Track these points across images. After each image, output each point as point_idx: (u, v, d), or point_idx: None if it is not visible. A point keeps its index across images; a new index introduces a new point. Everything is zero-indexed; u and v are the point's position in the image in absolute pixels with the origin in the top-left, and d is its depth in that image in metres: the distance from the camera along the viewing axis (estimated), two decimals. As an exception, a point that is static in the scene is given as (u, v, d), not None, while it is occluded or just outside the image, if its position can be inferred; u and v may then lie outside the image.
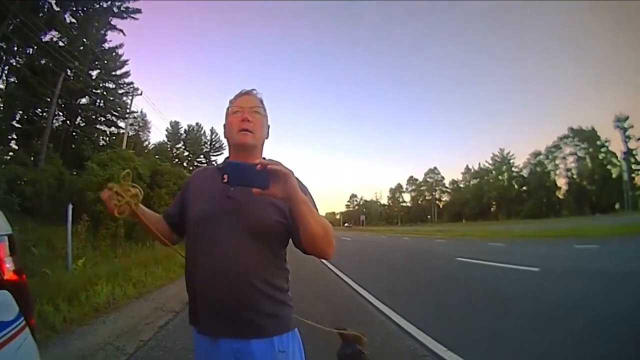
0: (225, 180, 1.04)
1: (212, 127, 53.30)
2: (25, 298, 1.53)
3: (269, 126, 1.48)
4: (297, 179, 1.32)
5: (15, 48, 21.35)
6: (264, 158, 1.17)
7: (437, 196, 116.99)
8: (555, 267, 9.18)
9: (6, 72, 22.32)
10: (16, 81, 22.28)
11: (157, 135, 67.29)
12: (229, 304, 1.24)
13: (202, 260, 1.30)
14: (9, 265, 1.50)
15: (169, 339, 4.42)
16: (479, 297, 6.51)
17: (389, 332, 4.64)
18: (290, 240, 1.36)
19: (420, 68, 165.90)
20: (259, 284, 1.25)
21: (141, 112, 43.30)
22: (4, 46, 20.87)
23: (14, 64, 22.38)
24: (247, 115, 1.35)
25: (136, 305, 6.21)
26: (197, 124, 55.54)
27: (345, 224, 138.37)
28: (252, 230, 1.26)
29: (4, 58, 21.71)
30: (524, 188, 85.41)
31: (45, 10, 21.36)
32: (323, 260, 12.30)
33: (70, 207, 7.91)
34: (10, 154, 20.09)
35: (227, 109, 1.42)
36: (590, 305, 5.30)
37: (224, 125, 1.43)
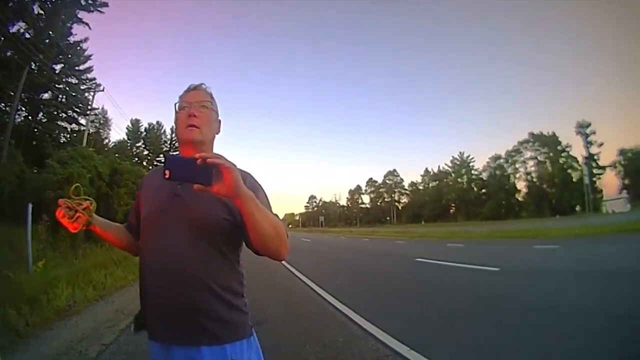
0: (167, 176, 0.99)
1: (173, 126, 52.96)
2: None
3: (219, 121, 1.44)
4: (248, 174, 1.33)
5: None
6: (217, 154, 1.05)
7: (396, 198, 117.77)
8: (515, 267, 9.40)
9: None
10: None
11: (117, 133, 65.95)
12: (176, 308, 1.19)
13: (149, 261, 1.27)
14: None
15: (131, 342, 4.38)
16: (439, 297, 6.64)
17: (350, 333, 4.66)
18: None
19: (380, 70, 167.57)
20: (207, 286, 1.21)
21: (102, 109, 42.27)
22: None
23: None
24: (193, 111, 1.31)
25: (97, 308, 6.22)
26: (157, 122, 55.49)
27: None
28: (197, 229, 1.22)
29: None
30: (484, 190, 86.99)
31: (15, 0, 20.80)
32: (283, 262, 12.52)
33: (30, 206, 7.81)
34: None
35: (175, 104, 1.38)
36: (547, 303, 5.51)
37: (174, 121, 1.39)
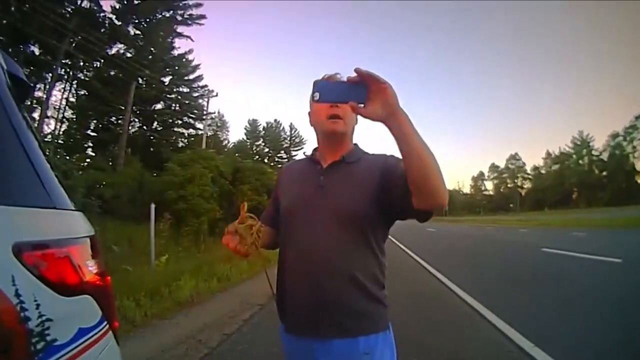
0: (317, 99, 0.96)
1: (291, 123, 54.71)
2: (109, 301, 1.47)
3: None
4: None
5: (82, 63, 22.92)
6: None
7: (519, 183, 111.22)
8: (638, 258, 8.81)
9: (75, 86, 24.19)
10: (87, 93, 23.99)
11: (236, 133, 70.19)
12: (318, 300, 1.15)
13: (290, 253, 1.24)
14: (91, 267, 1.44)
15: (254, 332, 4.30)
16: (567, 290, 6.12)
17: (475, 325, 4.48)
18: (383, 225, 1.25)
19: (502, 53, 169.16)
20: (352, 277, 1.16)
21: (218, 112, 45.06)
22: (70, 62, 22.43)
23: (82, 77, 24.13)
24: None
25: (220, 299, 6.10)
26: (275, 120, 57.58)
27: None
28: (344, 220, 1.17)
29: (72, 73, 23.46)
30: (604, 173, 79.30)
31: (107, 25, 22.70)
32: (407, 251, 12.60)
33: (154, 206, 7.97)
34: (88, 160, 21.74)
35: (312, 95, 1.23)
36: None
37: (309, 113, 1.36)
